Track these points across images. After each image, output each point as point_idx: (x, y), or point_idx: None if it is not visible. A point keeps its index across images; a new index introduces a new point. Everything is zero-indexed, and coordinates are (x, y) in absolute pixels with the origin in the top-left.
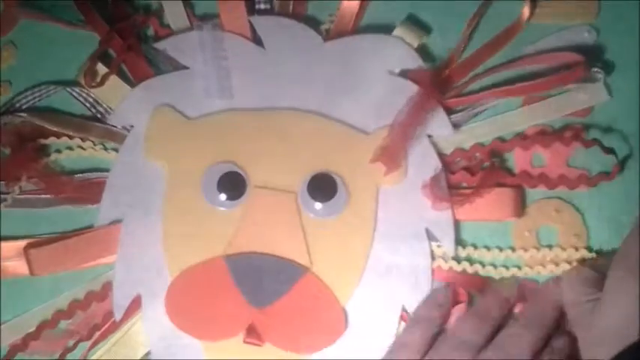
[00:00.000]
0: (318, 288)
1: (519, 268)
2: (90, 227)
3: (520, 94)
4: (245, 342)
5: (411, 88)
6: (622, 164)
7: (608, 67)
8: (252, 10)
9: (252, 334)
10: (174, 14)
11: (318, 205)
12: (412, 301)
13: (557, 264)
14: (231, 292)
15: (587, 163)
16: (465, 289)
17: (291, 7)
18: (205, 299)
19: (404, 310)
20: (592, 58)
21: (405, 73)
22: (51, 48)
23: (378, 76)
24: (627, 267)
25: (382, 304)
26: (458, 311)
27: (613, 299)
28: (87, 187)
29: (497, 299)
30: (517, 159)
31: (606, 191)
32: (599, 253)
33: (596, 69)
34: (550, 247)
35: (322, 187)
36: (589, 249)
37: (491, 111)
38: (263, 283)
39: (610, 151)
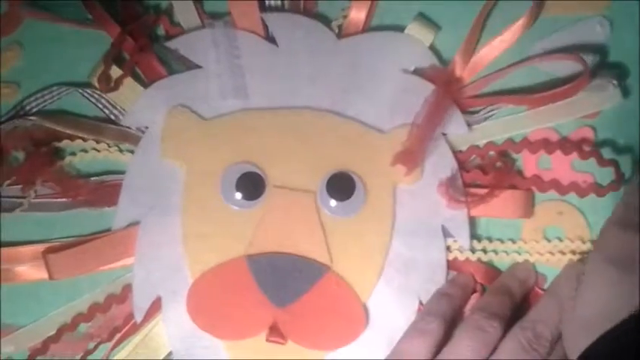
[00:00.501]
0: (339, 286)
1: (530, 254)
2: (107, 230)
3: (526, 105)
4: (268, 341)
5: (426, 87)
6: (632, 169)
7: (621, 65)
8: (262, 7)
9: (275, 332)
10: (185, 12)
11: (337, 204)
12: (428, 295)
13: (564, 253)
14: (252, 292)
15: (591, 167)
16: (478, 282)
17: (301, 4)
18: (227, 299)
19: (420, 303)
20: (604, 53)
21: (419, 72)
22: (58, 48)
23: (393, 74)
24: (603, 256)
25: (400, 299)
26: (473, 300)
27: (590, 289)
28: (103, 190)
29: (515, 278)
30: (525, 160)
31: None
32: None
33: (609, 77)
34: (560, 239)
35: (341, 186)
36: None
37: (503, 110)
38: (284, 282)
39: (609, 162)
